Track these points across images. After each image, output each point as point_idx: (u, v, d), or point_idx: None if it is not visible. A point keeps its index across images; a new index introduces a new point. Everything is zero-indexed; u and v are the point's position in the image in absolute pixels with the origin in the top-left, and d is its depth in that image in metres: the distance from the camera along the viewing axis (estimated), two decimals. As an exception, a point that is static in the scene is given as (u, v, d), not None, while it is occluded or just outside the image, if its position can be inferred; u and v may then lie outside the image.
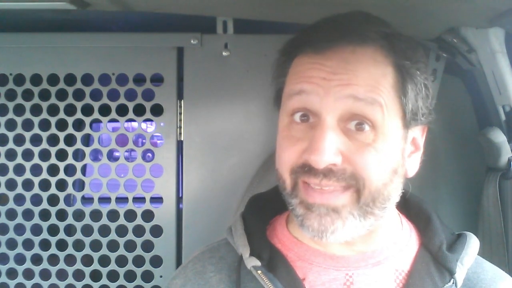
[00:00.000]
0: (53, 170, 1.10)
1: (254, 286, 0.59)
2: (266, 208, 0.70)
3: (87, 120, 1.09)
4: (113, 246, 1.08)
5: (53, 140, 1.09)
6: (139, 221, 1.08)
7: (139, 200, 1.10)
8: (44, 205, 1.09)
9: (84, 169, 1.13)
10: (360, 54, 0.55)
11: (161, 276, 1.07)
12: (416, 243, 0.64)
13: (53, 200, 1.09)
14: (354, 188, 0.54)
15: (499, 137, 0.92)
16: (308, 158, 0.53)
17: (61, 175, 1.09)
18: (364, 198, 0.54)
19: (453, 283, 0.59)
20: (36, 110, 1.08)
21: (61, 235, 1.09)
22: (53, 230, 1.09)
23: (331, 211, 0.54)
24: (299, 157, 0.56)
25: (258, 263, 0.59)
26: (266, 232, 0.66)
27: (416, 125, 0.60)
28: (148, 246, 1.08)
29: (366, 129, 0.54)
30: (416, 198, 0.70)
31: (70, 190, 1.10)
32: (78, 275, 1.09)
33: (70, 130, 1.09)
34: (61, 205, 1.09)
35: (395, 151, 0.57)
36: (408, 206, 0.69)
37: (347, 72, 0.54)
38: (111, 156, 1.13)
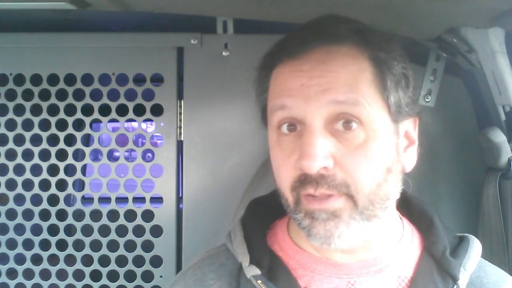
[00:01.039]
0: (53, 170, 1.10)
1: None
2: (266, 212, 0.69)
3: (87, 120, 1.09)
4: (113, 246, 1.08)
5: (53, 140, 1.09)
6: (139, 221, 1.08)
7: (139, 200, 1.10)
8: (44, 205, 1.09)
9: (84, 169, 1.13)
10: (335, 53, 0.54)
11: (161, 276, 1.07)
12: (418, 248, 0.64)
13: (53, 200, 1.09)
14: (347, 195, 0.54)
15: (499, 137, 0.92)
16: (301, 165, 0.53)
17: (61, 175, 1.09)
18: (362, 202, 0.54)
19: None
20: (36, 110, 1.08)
21: (61, 235, 1.09)
22: (53, 230, 1.09)
23: (331, 215, 0.54)
24: (294, 169, 0.55)
25: (258, 272, 0.59)
26: (266, 238, 0.65)
27: (405, 118, 0.59)
28: (148, 246, 1.08)
29: (354, 127, 0.54)
30: (417, 200, 0.69)
31: (70, 190, 1.10)
32: (78, 275, 1.09)
33: (70, 130, 1.09)
34: (61, 205, 1.09)
35: (388, 148, 0.56)
36: (410, 208, 0.68)
37: (325, 75, 0.53)
38: (111, 156, 1.13)
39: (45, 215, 1.09)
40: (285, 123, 0.57)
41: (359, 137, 0.54)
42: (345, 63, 0.54)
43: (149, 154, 1.12)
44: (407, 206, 0.68)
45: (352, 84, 0.53)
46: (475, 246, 0.63)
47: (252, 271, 0.59)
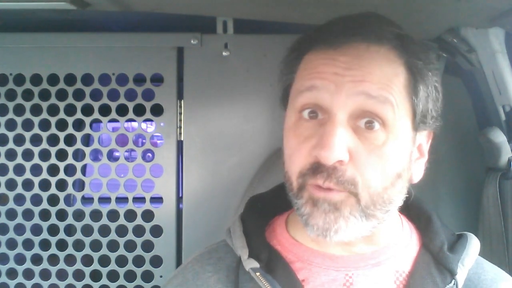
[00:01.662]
0: (53, 170, 1.10)
1: (252, 287, 0.59)
2: (265, 209, 0.69)
3: (87, 120, 1.09)
4: (113, 246, 1.08)
5: (53, 140, 1.09)
6: (139, 221, 1.08)
7: (139, 200, 1.10)
8: (44, 205, 1.09)
9: (84, 169, 1.12)
10: (374, 52, 0.55)
11: (161, 276, 1.07)
12: (417, 244, 0.64)
13: (53, 200, 1.09)
14: (350, 192, 0.54)
15: (499, 137, 0.92)
16: (317, 154, 0.53)
17: (61, 175, 1.09)
18: (365, 201, 0.54)
19: (454, 284, 0.58)
20: (36, 110, 1.08)
21: (61, 235, 1.09)
22: (53, 230, 1.09)
23: (333, 207, 0.54)
24: (308, 155, 0.55)
25: (256, 264, 0.59)
26: (265, 233, 0.66)
27: (424, 129, 0.59)
28: (148, 246, 1.08)
29: (376, 128, 0.54)
30: (416, 198, 0.69)
31: (70, 190, 1.10)
32: (78, 275, 1.09)
33: (70, 130, 1.09)
34: (61, 205, 1.09)
35: (403, 154, 0.56)
36: (408, 206, 0.69)
37: (360, 68, 0.53)
38: (111, 156, 1.13)
39: (45, 215, 1.09)
40: (308, 109, 0.56)
41: (379, 139, 0.54)
42: (382, 63, 0.54)
43: (149, 154, 1.12)
44: (405, 204, 0.68)
45: (386, 83, 0.53)
46: (473, 243, 0.63)
47: (250, 264, 0.59)
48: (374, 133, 0.54)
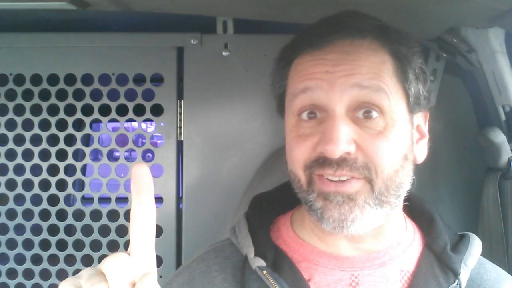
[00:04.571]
0: (53, 170, 1.10)
1: (258, 286, 0.59)
2: (268, 208, 0.70)
3: (87, 120, 1.09)
4: (113, 246, 1.08)
5: (53, 140, 1.09)
6: (139, 221, 1.08)
7: (139, 200, 1.09)
8: (44, 205, 1.09)
9: (84, 169, 1.13)
10: (358, 45, 0.56)
11: (160, 276, 1.07)
12: (420, 244, 0.64)
13: (53, 200, 1.09)
14: (367, 178, 0.55)
15: (499, 137, 0.93)
16: (323, 149, 0.54)
17: (61, 175, 1.09)
18: (378, 187, 0.55)
19: (457, 284, 0.59)
20: (36, 110, 1.08)
21: (61, 235, 1.09)
22: (53, 230, 1.09)
23: (347, 199, 0.55)
24: (312, 151, 0.56)
25: (262, 263, 0.59)
26: (270, 232, 0.66)
27: (419, 110, 0.61)
28: (148, 246, 1.07)
29: (375, 116, 0.55)
30: (419, 198, 0.70)
31: (70, 190, 1.10)
32: (78, 275, 1.09)
33: (70, 130, 1.09)
34: (61, 205, 1.09)
35: (404, 136, 0.58)
36: (411, 206, 0.69)
37: (349, 63, 0.55)
38: (111, 156, 1.13)
39: (45, 215, 1.09)
40: (305, 111, 0.58)
41: (379, 125, 0.55)
42: (368, 54, 0.56)
43: (149, 154, 1.12)
44: (409, 205, 0.69)
45: (376, 72, 0.55)
46: (476, 243, 0.64)
47: (257, 262, 0.60)
48: (373, 121, 0.55)
